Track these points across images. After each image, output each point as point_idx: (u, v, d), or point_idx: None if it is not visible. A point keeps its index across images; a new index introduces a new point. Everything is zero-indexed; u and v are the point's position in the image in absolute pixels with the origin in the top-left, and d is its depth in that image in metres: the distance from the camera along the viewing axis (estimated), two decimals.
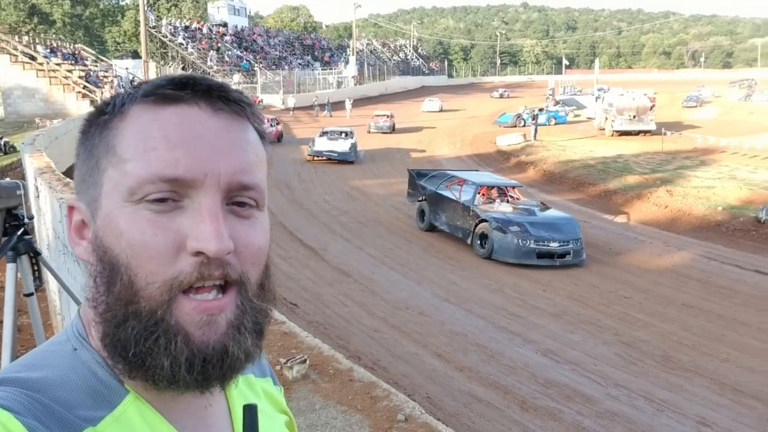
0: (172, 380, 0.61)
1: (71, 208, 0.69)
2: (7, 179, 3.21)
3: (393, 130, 34.01)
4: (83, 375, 0.63)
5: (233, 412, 0.74)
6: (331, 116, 40.07)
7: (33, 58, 31.02)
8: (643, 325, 9.55)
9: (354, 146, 24.80)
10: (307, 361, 4.58)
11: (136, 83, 0.69)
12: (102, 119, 0.65)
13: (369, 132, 32.95)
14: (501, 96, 60.98)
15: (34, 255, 2.70)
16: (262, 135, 0.70)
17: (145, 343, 0.60)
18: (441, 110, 47.09)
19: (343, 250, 13.16)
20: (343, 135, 25.70)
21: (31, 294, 2.71)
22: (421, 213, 15.28)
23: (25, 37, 36.94)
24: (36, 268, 2.71)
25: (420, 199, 15.48)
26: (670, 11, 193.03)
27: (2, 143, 23.62)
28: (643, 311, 10.15)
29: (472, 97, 60.59)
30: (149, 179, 0.60)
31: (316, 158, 24.43)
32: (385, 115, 35.40)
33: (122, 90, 0.68)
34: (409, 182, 16.58)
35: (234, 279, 0.62)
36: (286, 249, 12.88)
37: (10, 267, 2.63)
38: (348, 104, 42.98)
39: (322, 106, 42.17)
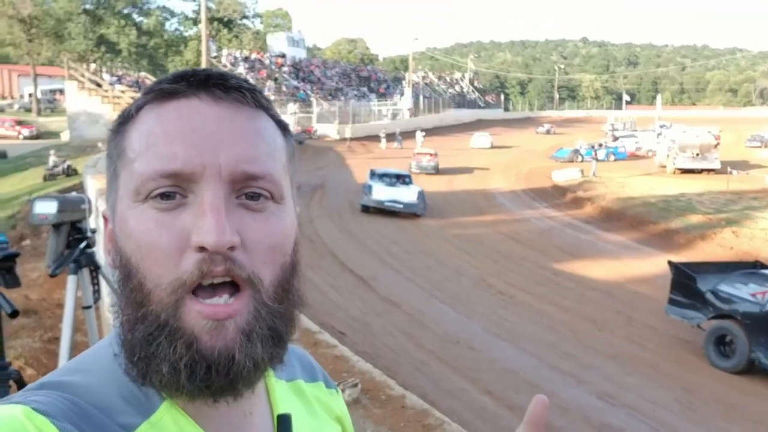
0: (174, 387, 0.58)
1: (105, 219, 0.68)
2: (73, 193, 3.28)
3: (437, 170, 30.10)
4: (122, 380, 0.61)
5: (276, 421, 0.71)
6: (401, 148, 39.53)
7: (99, 85, 32.43)
8: (707, 372, 9.07)
9: (422, 194, 20.75)
10: (359, 386, 4.50)
11: None
12: (117, 125, 0.66)
13: (410, 172, 26.97)
14: (547, 132, 58.78)
15: (95, 268, 2.72)
16: (279, 123, 0.68)
17: (148, 348, 0.58)
18: (492, 146, 43.70)
19: (392, 280, 13.06)
20: (402, 179, 21.76)
21: (89, 307, 2.73)
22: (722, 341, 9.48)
23: (93, 65, 38.70)
24: (96, 281, 2.73)
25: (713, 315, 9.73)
26: (737, 47, 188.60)
27: (65, 166, 24.68)
28: (705, 357, 9.64)
29: (528, 132, 59.84)
30: (150, 176, 0.59)
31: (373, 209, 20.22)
32: (429, 154, 31.47)
33: None
34: (677, 284, 10.53)
35: (243, 278, 0.59)
36: (336, 278, 12.86)
37: (71, 279, 2.66)
38: (419, 136, 41.77)
39: (390, 137, 42.16)
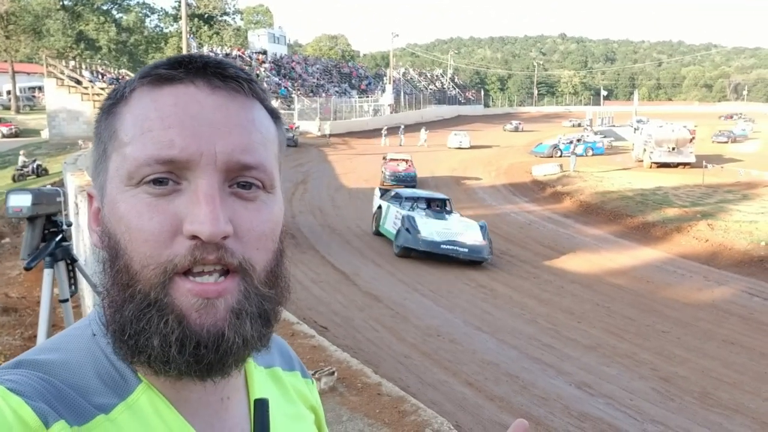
0: (164, 361, 0.59)
1: (90, 197, 0.69)
2: (48, 186, 3.28)
3: (415, 182, 24.89)
4: (99, 361, 0.62)
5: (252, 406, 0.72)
6: (401, 145, 39.30)
7: (78, 82, 32.05)
8: (682, 361, 9.25)
9: (485, 231, 14.97)
10: (336, 374, 4.55)
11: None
12: (108, 105, 0.65)
13: (383, 184, 23.66)
14: (516, 129, 57.38)
15: (71, 261, 2.73)
16: (272, 112, 0.69)
17: (138, 324, 0.59)
18: (470, 147, 40.27)
19: (374, 275, 13.12)
20: (442, 206, 16.78)
21: (66, 300, 2.75)
22: None
23: (72, 62, 38.22)
24: (72, 274, 2.75)
25: None
26: (711, 43, 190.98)
27: (35, 166, 24.22)
28: (682, 346, 9.85)
29: (481, 134, 60.19)
30: (145, 161, 0.59)
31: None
32: (403, 160, 26.16)
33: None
34: None
35: (234, 266, 0.60)
36: (318, 273, 12.89)
37: (47, 272, 2.67)
38: (423, 133, 41.61)
39: (392, 130, 42.14)
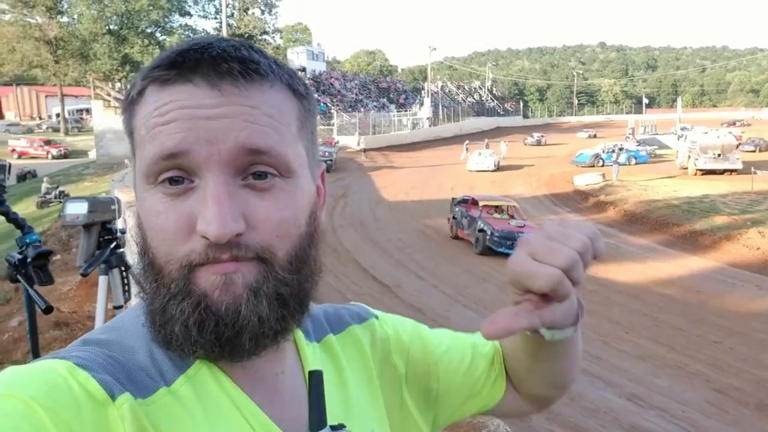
0: (190, 343, 0.61)
1: None
2: (103, 194, 3.37)
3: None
4: (152, 344, 0.65)
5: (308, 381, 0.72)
6: (463, 159, 38.32)
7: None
8: (736, 372, 8.97)
9: None
10: None
11: None
12: (127, 103, 0.66)
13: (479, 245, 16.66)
14: (538, 143, 53.10)
15: (125, 268, 2.80)
16: (290, 86, 0.66)
17: (164, 315, 0.62)
18: (497, 168, 34.16)
19: (417, 287, 13.10)
20: (509, 209, 18.56)
21: (120, 307, 2.81)
22: None
23: (118, 84, 39.32)
24: (126, 281, 2.81)
25: None
26: (757, 47, 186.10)
27: (57, 192, 24.50)
28: (735, 357, 9.55)
29: (558, 137, 59.38)
30: (153, 160, 0.60)
31: None
32: (505, 207, 18.79)
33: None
34: None
35: (248, 258, 0.61)
36: (360, 285, 12.93)
37: (102, 279, 2.73)
38: (503, 145, 41.14)
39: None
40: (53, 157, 41.80)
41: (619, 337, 10.42)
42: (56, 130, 54.56)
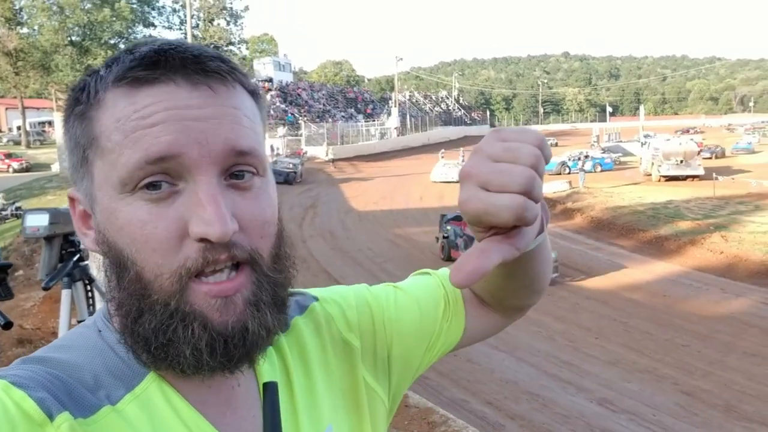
0: (197, 366, 0.59)
1: (72, 200, 0.67)
2: (65, 206, 3.26)
3: None
4: (106, 355, 0.62)
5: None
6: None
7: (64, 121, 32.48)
8: (704, 374, 9.12)
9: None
10: None
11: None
12: (78, 109, 0.61)
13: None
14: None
15: (89, 281, 2.71)
16: (252, 92, 0.65)
17: (164, 336, 0.58)
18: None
19: None
20: None
21: (84, 321, 2.72)
22: None
23: None
24: (90, 295, 2.72)
25: None
26: (715, 57, 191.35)
27: (14, 208, 23.96)
28: (703, 360, 9.71)
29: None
30: (136, 165, 0.56)
31: None
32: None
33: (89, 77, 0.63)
34: None
35: (244, 258, 0.59)
36: None
37: (65, 293, 2.64)
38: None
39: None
40: (15, 171, 40.78)
41: (588, 342, 10.52)
42: (17, 143, 53.29)
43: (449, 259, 15.93)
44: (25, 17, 50.24)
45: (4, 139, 55.99)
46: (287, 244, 0.66)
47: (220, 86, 0.60)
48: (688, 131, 68.67)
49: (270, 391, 0.66)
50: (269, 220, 0.63)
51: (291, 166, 32.64)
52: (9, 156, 43.63)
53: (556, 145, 58.56)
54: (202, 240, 0.56)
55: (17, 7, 48.58)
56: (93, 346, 0.62)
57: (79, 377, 0.59)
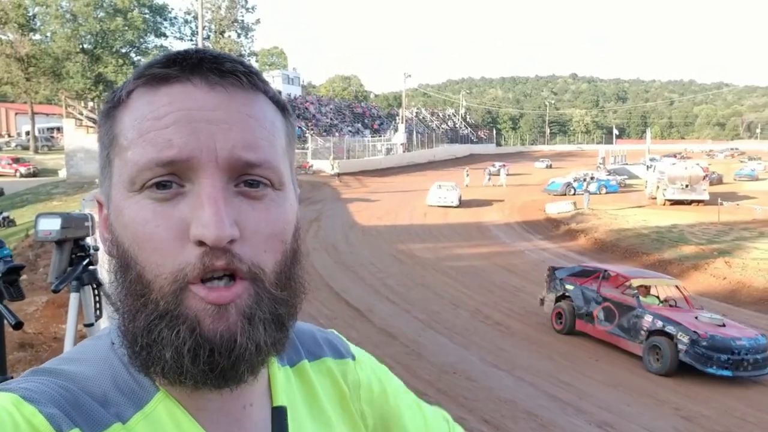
0: (178, 372, 0.57)
1: (99, 204, 0.67)
2: (77, 211, 3.30)
3: None
4: (117, 370, 0.61)
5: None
6: (466, 186, 38.82)
7: (96, 123, 32.68)
8: (704, 400, 9.07)
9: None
10: None
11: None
12: (107, 109, 0.63)
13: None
14: (497, 173, 43.77)
15: (98, 286, 2.73)
16: (278, 103, 0.65)
17: (150, 336, 0.57)
18: (460, 204, 29.73)
19: (389, 312, 13.04)
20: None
21: (91, 325, 2.74)
22: None
23: (90, 103, 38.94)
24: (98, 299, 2.75)
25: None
26: (723, 82, 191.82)
27: (2, 217, 23.92)
28: (704, 385, 9.65)
29: (519, 167, 59.76)
30: (146, 165, 0.57)
31: None
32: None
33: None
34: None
35: (243, 270, 0.58)
36: (332, 309, 12.83)
37: (73, 296, 2.67)
38: (503, 172, 42.45)
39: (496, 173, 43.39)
40: (22, 176, 41.03)
41: (589, 363, 10.48)
42: (26, 148, 53.64)
43: (572, 332, 12.04)
44: (39, 24, 50.74)
45: (13, 144, 56.36)
46: (298, 265, 0.65)
47: (237, 91, 0.60)
48: (675, 156, 68.61)
49: (279, 416, 0.66)
50: (277, 235, 0.61)
51: None
52: (16, 161, 43.94)
53: (550, 166, 58.52)
54: (200, 243, 0.56)
55: (31, 14, 49.07)
56: (104, 359, 0.62)
57: (90, 391, 0.58)
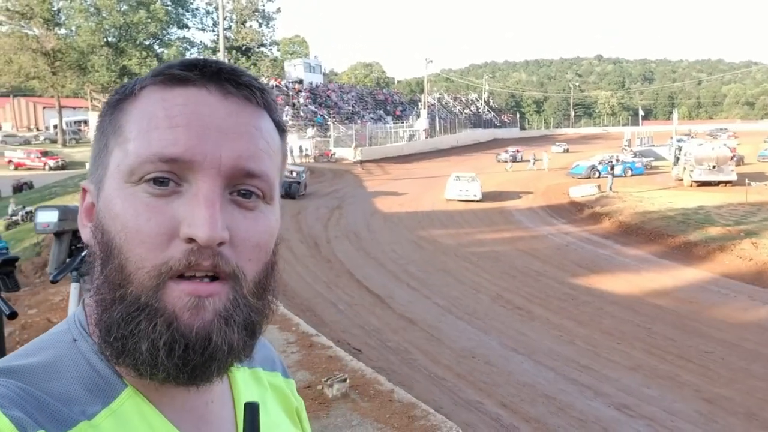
0: (152, 365, 0.58)
1: (84, 191, 0.68)
2: (75, 203, 3.36)
3: None
4: (81, 367, 0.61)
5: (238, 409, 0.71)
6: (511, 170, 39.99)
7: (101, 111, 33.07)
8: (726, 382, 8.96)
9: None
10: (348, 381, 4.62)
11: None
12: (115, 100, 0.65)
13: None
14: (513, 159, 45.50)
15: None
16: (279, 125, 0.68)
17: (126, 327, 0.58)
18: (480, 199, 27.27)
19: (409, 298, 13.08)
20: None
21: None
22: None
23: None
24: None
25: None
26: (752, 61, 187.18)
27: (24, 213, 24.27)
28: (726, 367, 9.54)
29: (534, 152, 58.85)
30: (148, 158, 0.59)
31: None
32: None
33: None
34: None
35: (226, 272, 0.60)
36: (352, 296, 12.91)
37: (74, 286, 2.73)
38: (545, 157, 42.61)
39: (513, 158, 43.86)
40: (50, 169, 41.75)
41: (610, 347, 10.41)
42: (54, 141, 54.51)
43: None
44: (63, 18, 51.43)
45: (41, 137, 57.30)
46: (274, 278, 0.67)
47: (248, 104, 0.63)
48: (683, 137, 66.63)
49: (251, 411, 0.66)
50: (262, 246, 0.63)
51: (294, 175, 27.37)
52: (45, 154, 44.69)
53: (567, 151, 57.64)
54: (190, 241, 0.57)
55: (55, 8, 49.72)
56: (66, 355, 0.62)
57: (52, 390, 0.58)
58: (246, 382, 0.76)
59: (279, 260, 0.68)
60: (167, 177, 0.59)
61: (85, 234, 0.65)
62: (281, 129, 0.69)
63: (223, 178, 0.60)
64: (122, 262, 0.59)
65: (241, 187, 0.62)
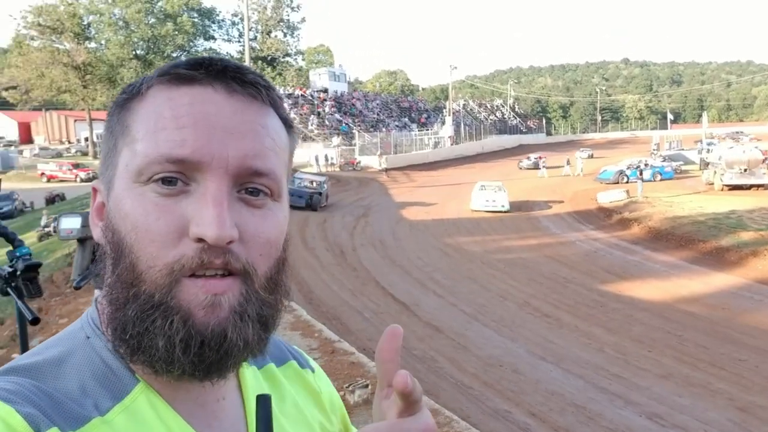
0: (168, 361, 0.59)
1: (94, 190, 0.69)
2: None
3: None
4: (94, 363, 0.62)
5: (247, 405, 0.71)
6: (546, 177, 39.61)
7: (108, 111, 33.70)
8: (760, 390, 8.75)
9: None
10: (369, 387, 4.59)
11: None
12: (122, 99, 0.65)
13: None
14: (535, 165, 44.58)
15: None
16: (285, 121, 0.69)
17: (142, 324, 0.59)
18: (508, 210, 26.33)
19: (435, 305, 13.02)
20: None
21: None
22: None
23: None
24: None
25: None
26: None
27: (56, 224, 24.24)
28: (761, 375, 9.31)
29: (558, 159, 57.96)
30: (156, 159, 0.59)
31: None
32: None
33: None
34: None
35: (237, 269, 0.60)
36: (378, 304, 12.89)
37: (97, 292, 2.77)
38: (580, 159, 42.53)
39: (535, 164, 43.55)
40: (82, 180, 42.58)
41: (641, 355, 10.23)
42: (85, 153, 55.64)
43: None
44: (93, 32, 52.50)
45: (73, 150, 58.45)
46: (286, 274, 0.68)
47: (253, 101, 0.63)
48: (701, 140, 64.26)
49: (264, 403, 0.66)
50: (272, 242, 0.64)
51: (314, 185, 26.30)
52: (77, 166, 45.58)
53: (592, 156, 56.61)
54: (199, 240, 0.58)
55: (86, 23, 50.77)
56: (80, 353, 0.63)
57: (64, 388, 0.58)
58: (257, 379, 0.76)
59: (289, 257, 0.69)
60: (175, 177, 0.59)
61: (96, 233, 0.66)
62: (288, 125, 0.69)
63: (230, 177, 0.60)
64: (133, 260, 0.59)
65: (249, 185, 0.62)
